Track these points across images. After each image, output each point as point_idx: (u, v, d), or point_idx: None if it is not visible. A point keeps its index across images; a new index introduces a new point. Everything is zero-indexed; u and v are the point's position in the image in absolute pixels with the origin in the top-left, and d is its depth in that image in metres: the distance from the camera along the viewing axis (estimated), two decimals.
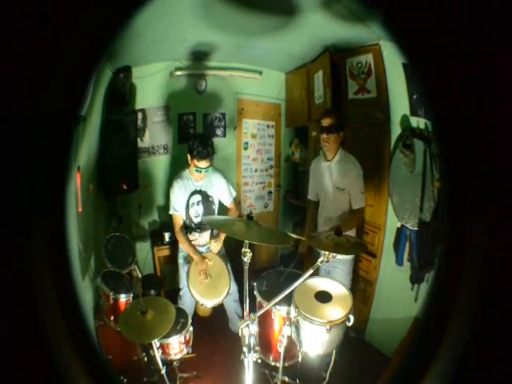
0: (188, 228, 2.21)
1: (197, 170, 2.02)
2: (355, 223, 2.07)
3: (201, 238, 2.25)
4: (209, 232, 2.26)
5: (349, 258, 2.04)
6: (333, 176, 2.05)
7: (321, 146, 2.09)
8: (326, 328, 1.38)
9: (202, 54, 2.69)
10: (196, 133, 2.96)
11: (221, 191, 2.20)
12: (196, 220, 2.20)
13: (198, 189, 2.15)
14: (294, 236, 1.58)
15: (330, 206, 2.10)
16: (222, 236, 2.21)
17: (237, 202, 2.36)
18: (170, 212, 2.14)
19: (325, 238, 1.44)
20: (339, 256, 1.94)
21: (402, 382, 0.62)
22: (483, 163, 0.44)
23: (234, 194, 2.26)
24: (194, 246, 2.16)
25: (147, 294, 2.28)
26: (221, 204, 2.26)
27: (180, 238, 2.15)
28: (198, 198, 2.16)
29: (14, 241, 0.43)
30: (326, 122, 1.96)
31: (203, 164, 1.99)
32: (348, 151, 2.03)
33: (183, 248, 2.21)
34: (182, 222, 2.16)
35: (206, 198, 2.18)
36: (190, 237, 2.21)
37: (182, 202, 2.12)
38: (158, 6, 1.66)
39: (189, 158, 2.02)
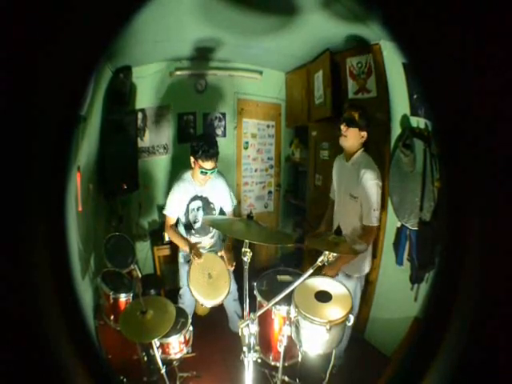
0: (187, 232, 2.17)
1: (202, 172, 1.89)
2: (365, 241, 1.76)
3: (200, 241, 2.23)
4: (208, 236, 2.22)
5: (354, 277, 1.94)
6: (346, 179, 1.89)
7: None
8: (326, 328, 1.38)
9: (202, 53, 2.69)
10: (198, 133, 2.94)
11: (222, 198, 2.13)
12: (195, 225, 2.15)
13: (199, 194, 2.06)
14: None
15: (341, 211, 1.96)
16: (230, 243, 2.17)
17: (235, 211, 2.30)
18: (164, 212, 2.08)
19: (325, 238, 1.44)
20: (345, 271, 1.91)
21: (402, 382, 0.62)
22: (483, 163, 0.44)
23: (235, 202, 2.21)
24: (184, 238, 2.09)
25: (147, 294, 2.28)
26: (220, 210, 2.20)
27: (170, 233, 2.10)
28: (198, 203, 2.09)
29: (14, 241, 0.43)
30: (347, 113, 1.80)
31: (209, 165, 1.86)
32: None
33: (174, 242, 2.14)
34: (173, 222, 2.11)
35: (206, 204, 2.10)
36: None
37: (180, 206, 2.06)
38: (159, 5, 1.66)
39: (192, 159, 1.90)
